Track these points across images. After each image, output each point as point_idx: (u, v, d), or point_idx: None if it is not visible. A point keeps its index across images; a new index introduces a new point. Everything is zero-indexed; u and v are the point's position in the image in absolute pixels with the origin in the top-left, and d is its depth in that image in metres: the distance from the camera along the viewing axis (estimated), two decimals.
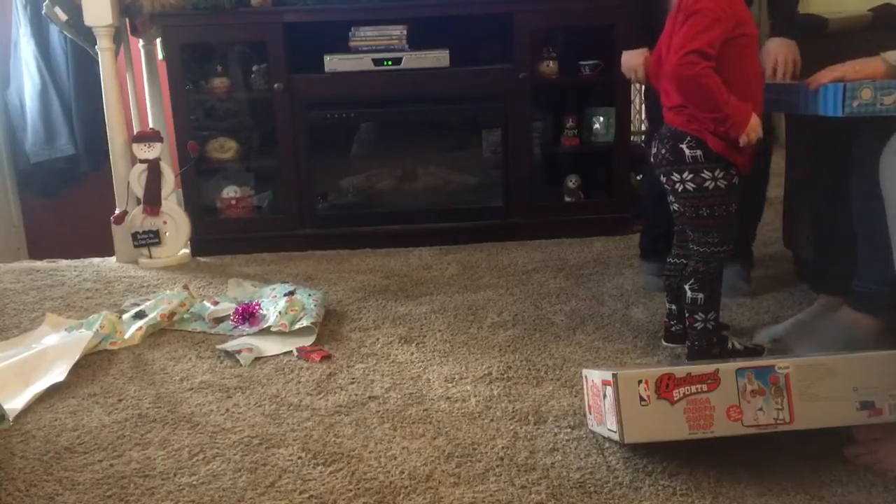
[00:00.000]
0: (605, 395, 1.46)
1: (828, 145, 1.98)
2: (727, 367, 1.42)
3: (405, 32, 3.03)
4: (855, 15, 2.21)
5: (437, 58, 3.03)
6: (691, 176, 1.82)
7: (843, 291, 1.97)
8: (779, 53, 2.07)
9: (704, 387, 1.40)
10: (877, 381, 1.45)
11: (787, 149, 2.35)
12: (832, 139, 1.93)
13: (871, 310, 1.90)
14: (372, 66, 3.02)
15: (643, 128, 4.10)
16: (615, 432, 1.42)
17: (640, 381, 1.39)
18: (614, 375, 1.39)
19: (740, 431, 1.41)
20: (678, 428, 1.40)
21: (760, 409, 1.41)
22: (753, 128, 1.77)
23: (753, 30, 1.78)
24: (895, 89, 1.66)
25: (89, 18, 2.94)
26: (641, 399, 1.39)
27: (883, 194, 1.72)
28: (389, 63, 3.03)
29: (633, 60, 2.28)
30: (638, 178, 3.38)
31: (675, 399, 1.39)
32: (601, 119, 3.20)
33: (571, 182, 3.22)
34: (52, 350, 2.06)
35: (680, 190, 1.85)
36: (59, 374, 1.94)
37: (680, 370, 1.41)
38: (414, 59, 3.03)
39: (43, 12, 3.13)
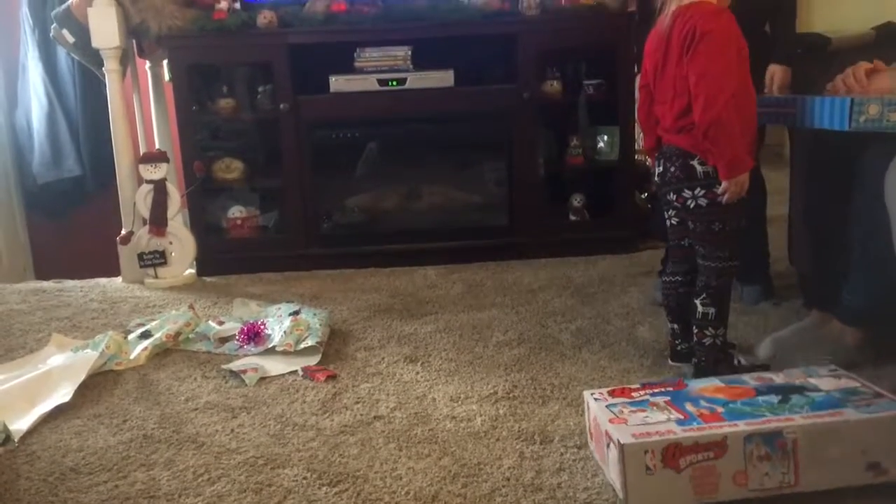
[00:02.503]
0: (608, 445, 1.45)
1: (830, 163, 1.99)
2: (735, 434, 1.40)
3: (410, 53, 3.05)
4: (858, 34, 2.22)
5: (442, 78, 3.05)
6: (703, 192, 1.83)
7: (835, 307, 1.97)
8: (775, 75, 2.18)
9: (711, 454, 1.39)
10: (885, 441, 1.42)
11: (792, 166, 2.35)
12: (835, 157, 1.94)
13: (860, 323, 1.91)
14: (377, 87, 3.04)
15: None
16: (618, 490, 1.42)
17: (646, 452, 1.38)
18: (621, 445, 1.38)
19: (745, 496, 1.40)
20: (683, 495, 1.38)
21: (766, 475, 1.40)
22: (741, 183, 1.78)
23: (745, 42, 1.79)
24: None
25: (97, 41, 2.97)
26: (647, 468, 1.38)
27: (888, 209, 1.73)
28: (394, 83, 3.04)
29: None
30: (643, 196, 3.39)
31: (682, 467, 1.38)
32: (605, 138, 3.21)
33: (576, 201, 3.22)
34: (58, 371, 2.07)
35: (692, 206, 1.85)
36: (64, 394, 1.94)
37: (687, 438, 1.39)
38: (418, 79, 3.04)
39: (51, 35, 3.16)
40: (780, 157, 2.63)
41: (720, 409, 1.48)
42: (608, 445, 1.45)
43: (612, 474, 1.44)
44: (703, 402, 1.52)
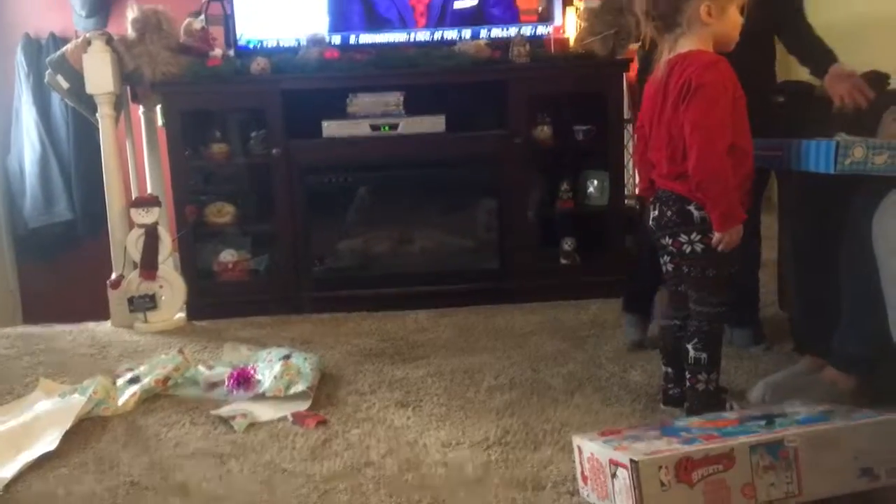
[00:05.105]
0: (613, 475, 1.44)
1: (817, 207, 2.01)
2: (741, 445, 1.42)
3: (402, 99, 3.08)
4: None
5: (434, 123, 3.07)
6: (700, 237, 1.84)
7: (826, 353, 1.97)
8: (836, 90, 2.13)
9: (720, 467, 1.40)
10: (874, 446, 1.47)
11: (779, 210, 2.37)
12: (822, 201, 1.96)
13: (853, 370, 1.91)
14: (369, 132, 3.06)
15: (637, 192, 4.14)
16: None
17: (660, 467, 1.38)
18: (633, 462, 1.38)
19: None
20: None
21: (772, 485, 1.42)
22: (735, 234, 1.80)
23: (742, 91, 1.81)
24: (886, 149, 1.70)
25: (91, 87, 2.99)
26: (662, 484, 1.38)
27: (875, 254, 1.74)
28: (386, 128, 3.07)
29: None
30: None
31: (695, 481, 1.39)
32: (595, 182, 3.23)
33: (567, 245, 3.23)
34: (45, 417, 2.04)
35: (688, 251, 1.86)
36: (50, 441, 1.92)
37: (697, 451, 1.41)
38: (410, 125, 3.07)
39: (45, 81, 3.19)
40: (768, 201, 2.66)
41: (715, 434, 1.51)
42: (614, 475, 1.44)
43: (622, 502, 1.43)
44: (695, 430, 1.54)
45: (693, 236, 1.84)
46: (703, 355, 1.88)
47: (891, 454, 1.48)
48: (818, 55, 2.24)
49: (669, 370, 2.01)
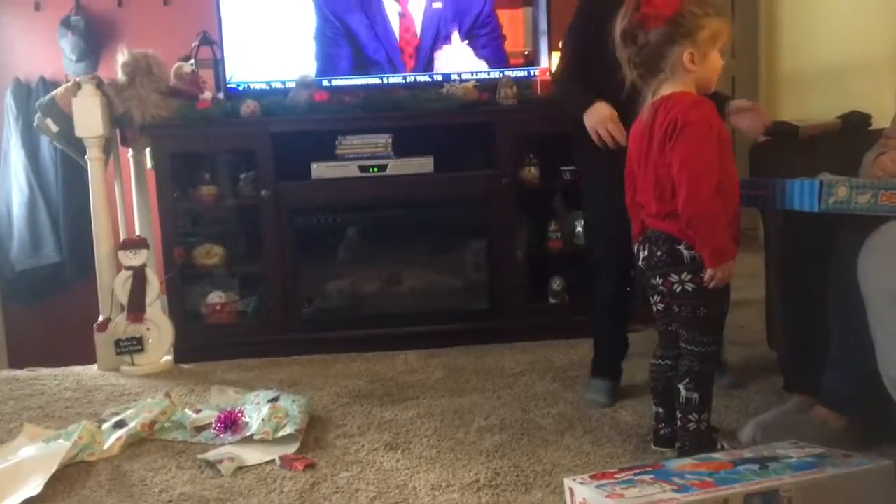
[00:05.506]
0: None
1: (804, 245, 2.02)
2: (736, 496, 1.41)
3: (390, 140, 3.11)
4: (825, 122, 2.30)
5: (422, 164, 3.10)
6: (690, 276, 1.84)
7: (816, 391, 1.97)
8: (743, 124, 2.25)
9: None
10: (868, 495, 1.46)
11: (766, 249, 2.39)
12: (807, 240, 1.98)
13: (843, 409, 1.90)
14: (358, 173, 3.08)
15: None
16: None
17: None
18: None
19: None
20: None
21: None
22: (726, 270, 1.80)
23: (727, 131, 1.84)
24: (869, 189, 1.72)
25: (80, 130, 3.00)
26: None
27: (862, 292, 1.75)
28: (375, 169, 3.09)
29: (601, 113, 2.21)
30: None
31: None
32: (583, 222, 3.24)
33: (556, 284, 3.24)
34: (29, 462, 2.01)
35: (678, 291, 1.86)
36: (34, 487, 1.88)
37: (692, 501, 1.39)
38: (399, 166, 3.09)
39: (34, 124, 3.20)
40: (755, 241, 2.68)
41: (709, 479, 1.49)
42: None
43: None
44: (688, 475, 1.52)
45: (684, 276, 1.85)
46: (695, 395, 1.87)
47: (886, 503, 1.47)
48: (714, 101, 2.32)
49: (660, 410, 2.00)
